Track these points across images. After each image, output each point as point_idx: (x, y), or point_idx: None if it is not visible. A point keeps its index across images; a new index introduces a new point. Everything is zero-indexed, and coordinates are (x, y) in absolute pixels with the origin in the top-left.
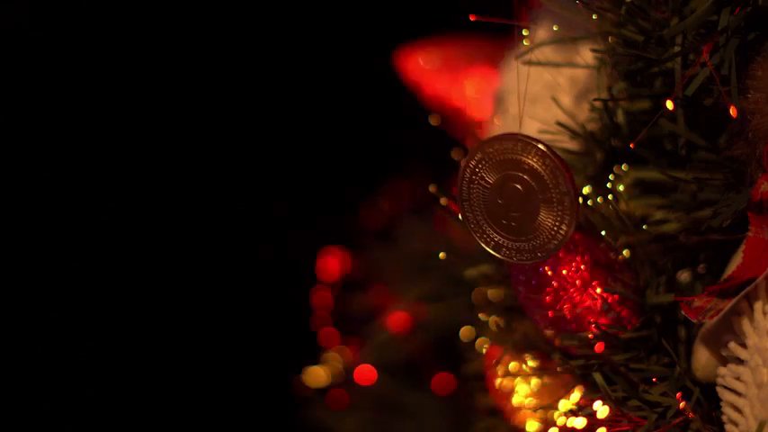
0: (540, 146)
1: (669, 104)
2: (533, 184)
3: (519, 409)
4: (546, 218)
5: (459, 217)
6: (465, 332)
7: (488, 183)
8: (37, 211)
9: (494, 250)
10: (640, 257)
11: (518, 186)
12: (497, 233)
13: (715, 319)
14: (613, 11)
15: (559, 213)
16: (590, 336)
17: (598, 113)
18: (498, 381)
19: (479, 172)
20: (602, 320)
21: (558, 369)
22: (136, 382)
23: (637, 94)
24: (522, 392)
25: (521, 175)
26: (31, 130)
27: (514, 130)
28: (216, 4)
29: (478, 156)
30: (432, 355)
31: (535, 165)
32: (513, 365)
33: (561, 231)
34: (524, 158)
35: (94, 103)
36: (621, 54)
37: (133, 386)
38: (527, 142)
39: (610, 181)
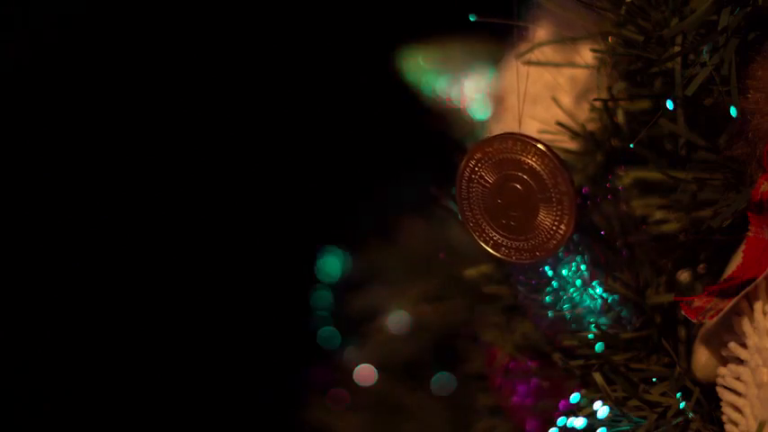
0: (539, 145)
1: (669, 104)
2: (532, 183)
3: (519, 408)
4: (545, 217)
5: (459, 216)
6: (465, 332)
7: (488, 182)
8: (37, 211)
9: (493, 249)
10: (640, 257)
11: (517, 186)
12: (497, 232)
13: (715, 319)
14: (613, 11)
15: (558, 213)
16: (590, 336)
17: (598, 113)
18: (498, 381)
19: (479, 171)
20: (603, 320)
21: (558, 369)
22: (136, 382)
23: (637, 94)
24: (522, 392)
25: (520, 174)
26: (31, 130)
27: (514, 130)
28: (216, 4)
29: (478, 155)
30: (432, 355)
31: (534, 164)
32: (513, 365)
33: (560, 231)
34: (523, 158)
35: (95, 103)
36: (621, 54)
37: (133, 386)
38: (526, 142)
39: (610, 181)
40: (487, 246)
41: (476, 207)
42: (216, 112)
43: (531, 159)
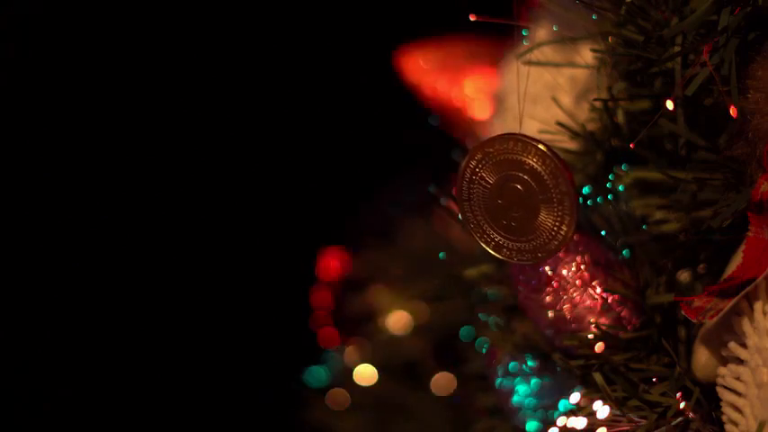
0: (540, 146)
1: (669, 104)
2: (533, 184)
3: (519, 408)
4: (546, 218)
5: (460, 217)
6: (465, 332)
7: (489, 183)
8: (37, 211)
9: (494, 250)
10: (640, 257)
11: (518, 186)
12: (498, 233)
13: (715, 319)
14: (613, 11)
15: (560, 214)
16: (590, 336)
17: (598, 113)
18: (498, 381)
19: (479, 172)
20: (602, 320)
21: (558, 369)
22: (136, 382)
23: (637, 94)
24: (522, 392)
25: (521, 175)
26: (31, 130)
27: (515, 130)
28: (216, 4)
29: (479, 156)
30: (432, 355)
31: (535, 165)
32: (513, 365)
33: (561, 232)
34: (524, 159)
35: (95, 103)
36: (621, 54)
37: (133, 386)
38: (527, 142)
39: (610, 181)
40: (489, 247)
41: (477, 208)
42: (216, 112)
43: (532, 160)
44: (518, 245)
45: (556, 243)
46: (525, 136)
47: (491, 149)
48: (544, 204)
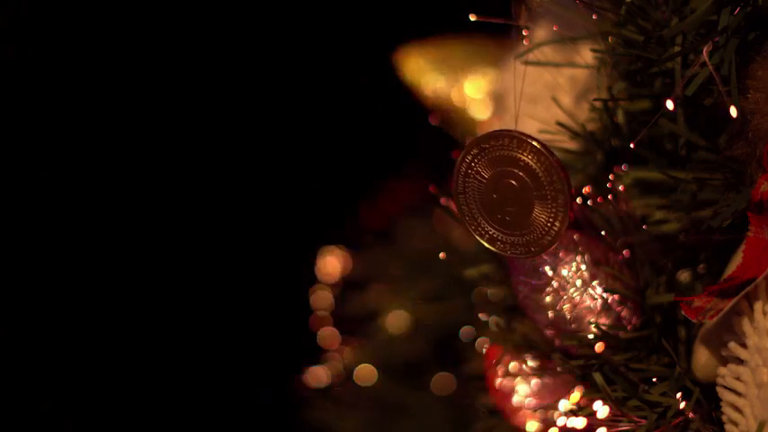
0: (535, 143)
1: (669, 104)
2: (528, 180)
3: (519, 408)
4: (540, 214)
5: (456, 211)
6: (465, 332)
7: (484, 178)
8: (37, 211)
9: (488, 243)
10: (640, 257)
11: (513, 182)
12: (492, 227)
13: (715, 319)
14: (613, 11)
15: (553, 210)
16: (590, 336)
17: (598, 113)
18: (498, 381)
19: (475, 167)
20: (602, 320)
21: (558, 369)
22: (136, 382)
23: (637, 94)
24: (522, 392)
25: (516, 171)
26: (31, 130)
27: (512, 128)
28: (216, 4)
29: (474, 151)
30: (432, 355)
31: (530, 162)
32: (513, 365)
33: (555, 228)
34: (519, 155)
35: (95, 103)
36: (621, 54)
37: (133, 386)
38: (522, 139)
39: (610, 181)
40: (483, 239)
41: (472, 202)
42: (216, 112)
43: (527, 156)
44: (512, 239)
45: (549, 238)
46: (520, 133)
47: (486, 145)
48: (538, 200)
